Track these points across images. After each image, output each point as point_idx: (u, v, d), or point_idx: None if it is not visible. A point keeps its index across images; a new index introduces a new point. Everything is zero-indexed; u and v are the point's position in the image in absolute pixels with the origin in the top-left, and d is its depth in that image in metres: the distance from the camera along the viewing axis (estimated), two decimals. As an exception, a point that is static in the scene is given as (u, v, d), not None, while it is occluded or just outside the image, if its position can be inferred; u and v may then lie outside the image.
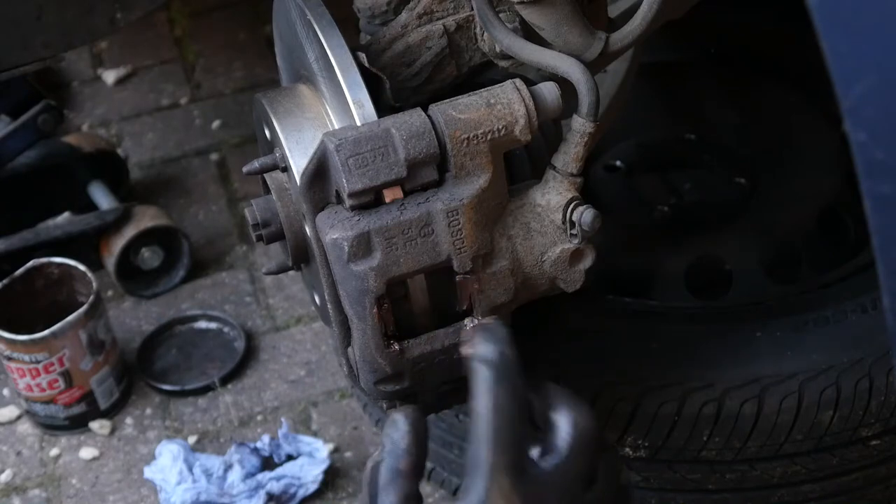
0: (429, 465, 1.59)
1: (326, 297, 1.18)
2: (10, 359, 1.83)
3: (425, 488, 1.71)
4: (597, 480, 1.02)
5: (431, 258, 1.12)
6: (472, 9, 1.23)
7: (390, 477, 1.00)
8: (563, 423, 1.01)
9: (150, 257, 2.07)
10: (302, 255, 1.24)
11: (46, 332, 1.80)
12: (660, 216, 1.83)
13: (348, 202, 1.10)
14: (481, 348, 1.00)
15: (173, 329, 2.04)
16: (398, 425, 1.02)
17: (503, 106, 1.13)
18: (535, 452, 1.01)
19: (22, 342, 1.80)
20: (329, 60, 1.16)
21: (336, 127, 1.18)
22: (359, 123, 1.14)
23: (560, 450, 1.00)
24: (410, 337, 1.16)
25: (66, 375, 1.84)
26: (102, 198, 2.11)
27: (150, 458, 1.82)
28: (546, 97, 1.15)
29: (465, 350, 1.03)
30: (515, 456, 0.97)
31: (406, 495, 1.00)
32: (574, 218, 1.16)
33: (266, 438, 1.81)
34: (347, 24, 1.25)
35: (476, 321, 1.17)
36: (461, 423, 1.47)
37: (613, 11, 1.32)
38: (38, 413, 1.89)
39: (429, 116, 1.12)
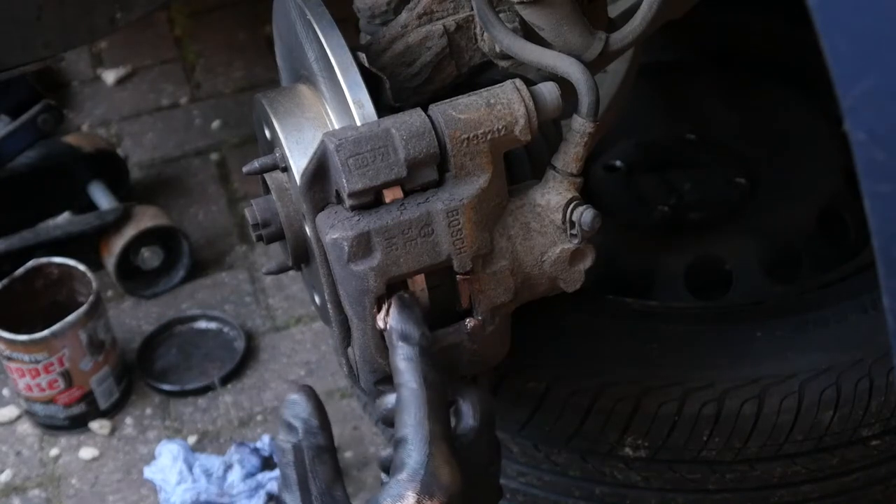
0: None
1: (326, 297, 1.18)
2: (10, 359, 1.83)
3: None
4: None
5: (431, 258, 1.12)
6: (472, 9, 1.23)
7: (316, 454, 1.06)
8: (473, 400, 1.10)
9: (150, 257, 2.07)
10: (302, 255, 1.24)
11: (46, 332, 1.80)
12: (660, 216, 1.83)
13: (348, 202, 1.10)
14: (401, 325, 1.08)
15: (173, 329, 2.04)
16: (301, 405, 1.08)
17: (503, 106, 1.13)
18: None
19: (22, 342, 1.80)
20: (329, 60, 1.16)
21: (336, 127, 1.18)
22: (359, 123, 1.14)
23: (470, 422, 1.09)
24: (410, 337, 1.16)
25: (66, 375, 1.84)
26: (102, 198, 2.11)
27: (150, 458, 1.82)
28: (546, 97, 1.15)
29: (382, 322, 1.10)
30: (447, 426, 1.04)
31: (335, 468, 1.06)
32: (574, 218, 1.16)
33: (266, 438, 1.81)
34: (347, 24, 1.25)
35: (476, 321, 1.17)
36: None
37: (613, 11, 1.32)
38: (37, 413, 1.89)
39: (429, 116, 1.12)
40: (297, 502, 1.05)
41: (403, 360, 1.06)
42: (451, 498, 1.00)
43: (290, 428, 1.07)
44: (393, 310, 1.10)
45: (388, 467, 1.08)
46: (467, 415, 1.09)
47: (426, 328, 1.09)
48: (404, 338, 1.08)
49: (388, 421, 1.11)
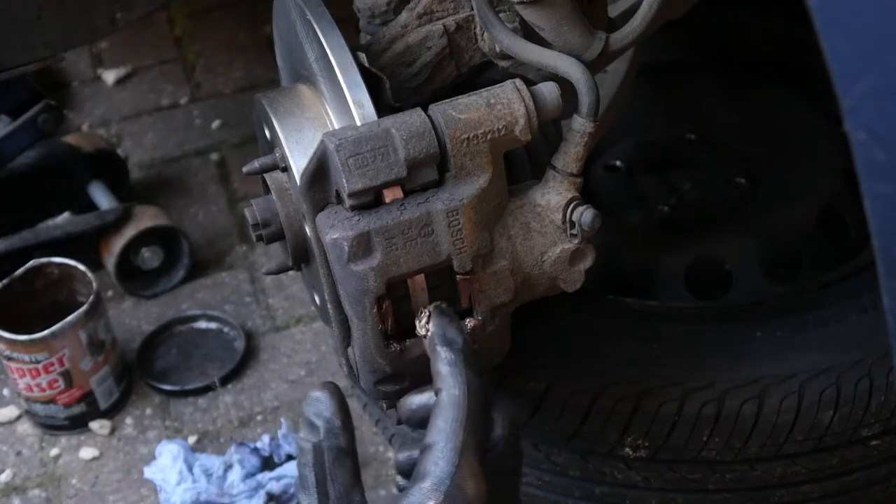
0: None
1: (326, 297, 1.18)
2: (10, 359, 1.83)
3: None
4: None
5: (431, 258, 1.12)
6: (472, 9, 1.23)
7: (336, 456, 1.03)
8: (502, 410, 1.05)
9: (150, 257, 2.07)
10: (302, 255, 1.24)
11: (46, 332, 1.80)
12: (660, 216, 1.83)
13: (348, 202, 1.10)
14: (444, 330, 1.05)
15: (173, 329, 2.04)
16: (324, 404, 1.04)
17: (503, 106, 1.13)
18: None
19: (22, 342, 1.80)
20: (329, 60, 1.16)
21: (336, 127, 1.18)
22: (359, 123, 1.14)
23: (501, 433, 1.04)
24: (410, 337, 1.16)
25: (66, 375, 1.84)
26: (102, 198, 2.11)
27: (150, 458, 1.82)
28: (546, 97, 1.15)
29: (423, 331, 1.08)
30: (481, 438, 1.00)
31: (354, 472, 1.03)
32: (574, 218, 1.16)
33: (266, 438, 1.81)
34: (347, 24, 1.25)
35: (476, 321, 1.17)
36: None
37: (613, 11, 1.32)
38: (38, 413, 1.89)
39: (429, 116, 1.12)
40: None
41: (446, 365, 1.02)
42: None
43: (312, 427, 1.04)
44: (434, 316, 1.08)
45: (406, 470, 1.05)
46: (497, 424, 1.05)
47: (467, 336, 1.07)
48: (447, 342, 1.04)
49: (413, 421, 1.08)
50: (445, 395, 1.01)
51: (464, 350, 1.04)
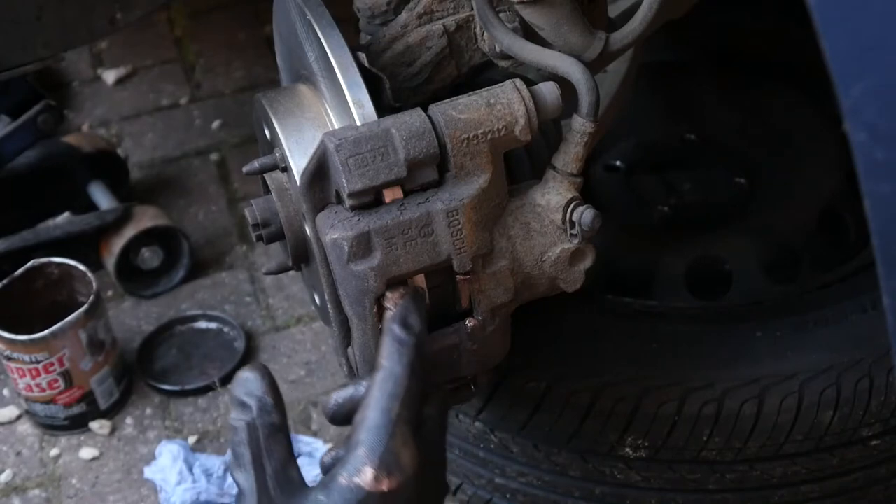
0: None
1: (326, 297, 1.18)
2: (9, 359, 1.83)
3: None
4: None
5: (431, 258, 1.12)
6: (472, 9, 1.23)
7: (270, 433, 1.05)
8: (434, 395, 1.08)
9: (150, 257, 2.07)
10: (302, 255, 1.24)
11: (46, 332, 1.80)
12: (660, 216, 1.83)
13: (348, 202, 1.10)
14: (407, 312, 1.07)
15: (173, 329, 2.04)
16: (255, 384, 1.06)
17: (503, 106, 1.13)
18: None
19: (22, 342, 1.80)
20: (329, 60, 1.16)
21: (336, 127, 1.18)
22: (359, 123, 1.14)
23: (433, 413, 1.07)
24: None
25: (66, 375, 1.84)
26: (102, 198, 2.11)
27: (150, 458, 1.82)
28: (546, 97, 1.15)
29: (388, 304, 1.09)
30: (416, 414, 1.03)
31: (289, 449, 1.05)
32: (574, 218, 1.16)
33: (266, 438, 1.81)
34: (347, 24, 1.25)
35: (476, 321, 1.17)
36: (461, 422, 1.47)
37: (613, 11, 1.32)
38: (38, 413, 1.89)
39: (429, 116, 1.12)
40: (251, 481, 1.03)
41: (395, 343, 1.05)
42: (407, 480, 1.00)
43: (244, 406, 1.06)
44: (405, 298, 1.10)
45: (329, 468, 1.06)
46: (429, 405, 1.07)
47: (425, 329, 1.09)
48: (405, 324, 1.07)
49: (339, 417, 1.08)
50: (385, 371, 1.03)
51: (419, 338, 1.06)
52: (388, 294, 1.11)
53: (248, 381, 1.06)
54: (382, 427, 1.00)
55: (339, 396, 1.09)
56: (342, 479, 0.99)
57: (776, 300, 1.61)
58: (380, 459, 0.99)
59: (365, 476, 0.99)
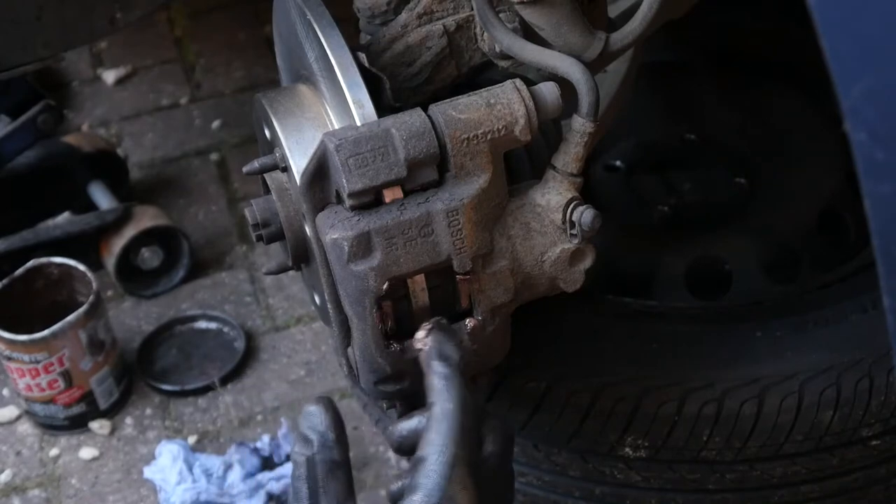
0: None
1: (326, 297, 1.18)
2: (9, 359, 1.83)
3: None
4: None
5: (431, 258, 1.12)
6: (472, 9, 1.23)
7: (329, 469, 1.03)
8: (495, 427, 1.06)
9: (150, 257, 2.07)
10: (302, 255, 1.24)
11: (46, 332, 1.80)
12: (660, 216, 1.83)
13: (348, 202, 1.10)
14: (441, 345, 1.06)
15: (173, 329, 2.04)
16: (318, 418, 1.05)
17: (503, 106, 1.13)
18: None
19: (22, 342, 1.80)
20: (329, 60, 1.16)
21: (336, 127, 1.18)
22: (359, 123, 1.14)
23: (494, 450, 1.05)
24: (410, 337, 1.16)
25: (66, 375, 1.84)
26: (102, 198, 2.11)
27: (150, 458, 1.82)
28: (546, 97, 1.15)
29: (420, 345, 1.08)
30: (472, 452, 1.01)
31: (348, 485, 1.03)
32: (574, 218, 1.16)
33: (266, 438, 1.81)
34: (347, 24, 1.25)
35: (476, 321, 1.17)
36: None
37: (613, 11, 1.32)
38: (37, 413, 1.89)
39: (429, 116, 1.12)
40: None
41: (441, 380, 1.03)
42: None
43: (306, 440, 1.04)
44: (433, 332, 1.08)
45: (397, 498, 1.04)
46: (489, 441, 1.05)
47: (464, 353, 1.07)
48: (443, 358, 1.05)
49: (404, 448, 1.07)
50: (439, 408, 1.01)
51: (459, 366, 1.05)
52: (417, 335, 1.09)
53: (311, 416, 1.05)
54: (439, 470, 0.98)
55: (403, 429, 1.07)
56: None
57: (776, 300, 1.61)
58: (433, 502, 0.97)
59: None
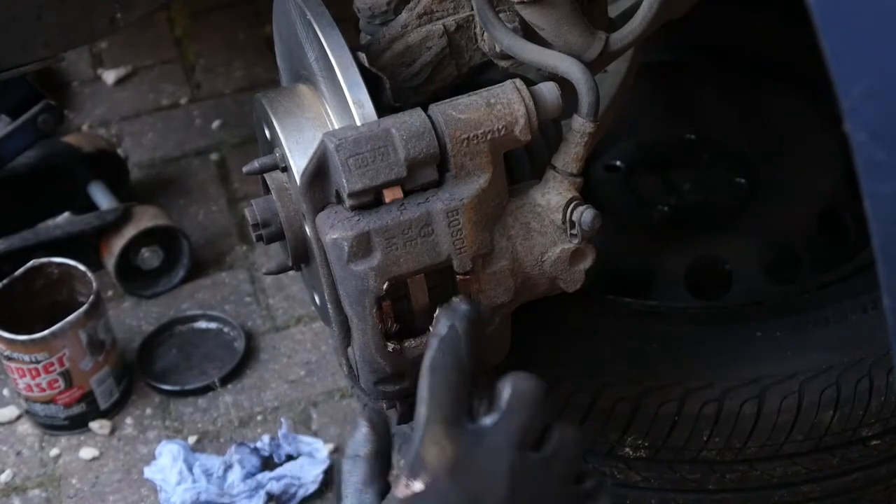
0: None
1: (326, 297, 1.18)
2: (10, 359, 1.83)
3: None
4: (545, 444, 1.04)
5: (431, 258, 1.12)
6: (472, 9, 1.23)
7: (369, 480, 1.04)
8: (505, 385, 1.04)
9: (150, 257, 2.07)
10: (302, 255, 1.24)
11: (46, 332, 1.80)
12: (660, 216, 1.83)
13: (348, 202, 1.10)
14: (440, 326, 1.05)
15: (173, 329, 2.04)
16: (366, 429, 1.05)
17: (503, 106, 1.13)
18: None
19: (22, 342, 1.80)
20: (329, 60, 1.16)
21: (336, 127, 1.18)
22: (359, 123, 1.14)
23: (498, 407, 1.03)
24: (410, 337, 1.16)
25: (66, 375, 1.84)
26: (102, 198, 2.11)
27: (150, 458, 1.82)
28: (546, 97, 1.15)
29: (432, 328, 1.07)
30: (450, 411, 1.00)
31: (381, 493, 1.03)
32: (574, 218, 1.16)
33: (266, 438, 1.81)
34: (347, 24, 1.25)
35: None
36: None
37: (613, 11, 1.32)
38: (38, 413, 1.89)
39: (429, 116, 1.12)
40: None
41: (434, 338, 1.04)
42: (436, 479, 0.98)
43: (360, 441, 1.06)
44: (439, 314, 1.08)
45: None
46: (496, 399, 1.03)
47: (464, 325, 1.05)
48: (451, 310, 1.05)
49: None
50: (426, 364, 1.03)
51: (443, 336, 1.04)
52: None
53: (361, 426, 1.06)
54: (415, 432, 1.00)
55: None
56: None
57: (776, 300, 1.61)
58: (407, 465, 0.99)
59: (399, 485, 0.99)
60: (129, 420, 1.91)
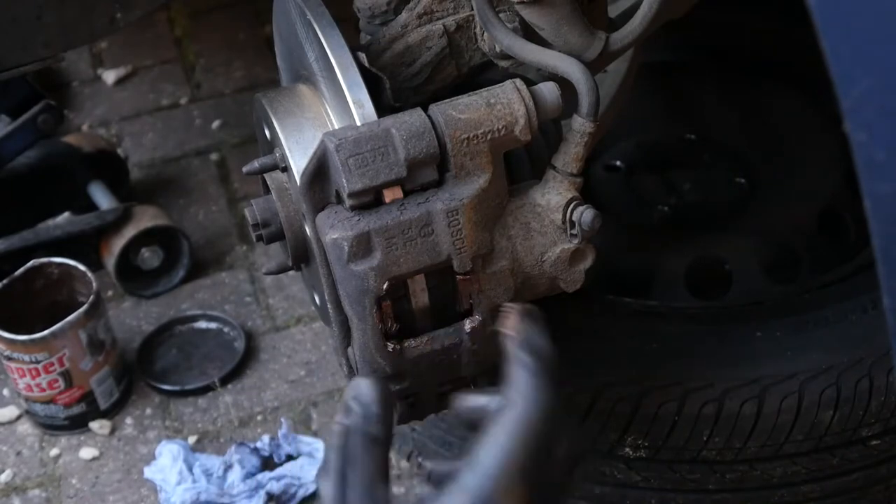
0: (428, 465, 1.58)
1: (326, 297, 1.18)
2: (9, 359, 1.83)
3: (425, 488, 1.71)
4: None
5: (431, 258, 1.12)
6: (472, 9, 1.23)
7: (365, 445, 0.95)
8: (565, 442, 0.96)
9: (150, 257, 2.07)
10: (302, 255, 1.24)
11: (46, 332, 1.80)
12: (660, 216, 1.83)
13: (348, 202, 1.10)
14: (533, 336, 0.96)
15: (173, 329, 2.04)
16: (366, 391, 0.96)
17: (503, 106, 1.13)
18: None
19: (22, 342, 1.80)
20: (329, 60, 1.16)
21: (336, 127, 1.18)
22: (359, 123, 1.14)
23: (555, 465, 0.94)
24: (410, 337, 1.16)
25: (66, 375, 1.84)
26: (102, 198, 2.11)
27: (150, 458, 1.82)
28: (546, 97, 1.15)
29: (510, 332, 0.98)
30: (539, 468, 0.92)
31: (384, 467, 0.96)
32: (574, 218, 1.16)
33: (266, 438, 1.81)
34: (347, 24, 1.25)
35: (476, 321, 1.17)
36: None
37: (613, 11, 1.32)
38: (38, 413, 1.89)
39: (429, 116, 1.12)
40: (331, 490, 0.93)
41: (528, 375, 0.93)
42: None
43: (348, 410, 0.96)
44: (523, 319, 0.99)
45: (437, 482, 0.98)
46: (556, 450, 0.94)
47: (555, 350, 0.96)
48: (533, 351, 0.95)
49: (463, 419, 0.99)
50: (517, 408, 0.92)
51: (550, 365, 0.95)
52: (506, 321, 1.00)
53: (359, 387, 0.97)
54: (491, 473, 0.89)
55: (473, 402, 0.99)
56: None
57: (776, 300, 1.61)
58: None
59: None
60: (129, 420, 1.91)
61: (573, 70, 1.15)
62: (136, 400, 1.94)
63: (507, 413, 0.92)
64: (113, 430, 1.90)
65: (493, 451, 0.90)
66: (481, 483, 0.89)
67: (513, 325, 0.99)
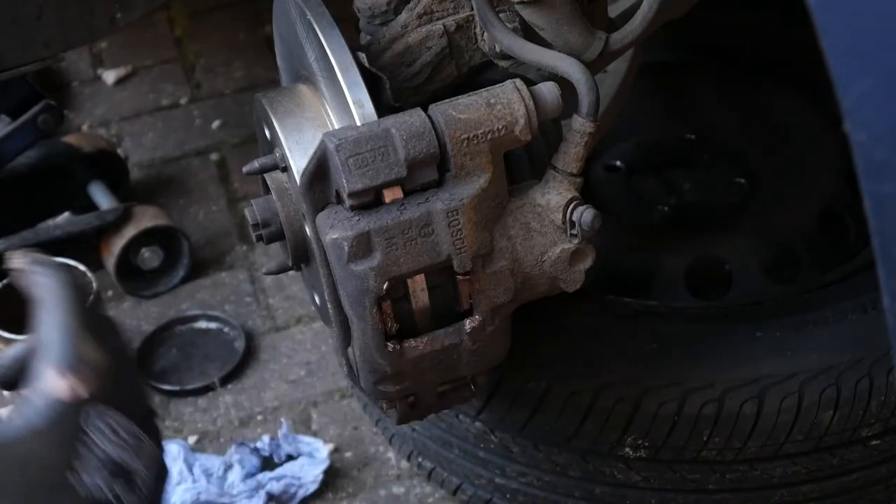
0: (428, 464, 1.59)
1: (326, 297, 1.18)
2: (10, 359, 1.83)
3: (425, 488, 1.71)
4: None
5: (431, 258, 1.12)
6: (472, 9, 1.23)
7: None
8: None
9: (150, 257, 2.07)
10: (302, 255, 1.24)
11: (46, 332, 1.80)
12: (660, 216, 1.83)
13: (348, 202, 1.10)
14: (38, 262, 1.02)
15: (173, 329, 2.04)
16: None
17: (503, 106, 1.13)
18: None
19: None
20: (329, 60, 1.16)
21: (336, 127, 1.18)
22: (359, 123, 1.14)
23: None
24: (410, 337, 1.16)
25: (66, 375, 1.84)
26: (102, 198, 2.11)
27: (150, 458, 1.81)
28: (546, 97, 1.15)
29: (17, 265, 1.04)
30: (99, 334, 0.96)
31: None
32: (574, 218, 1.16)
33: (266, 438, 1.81)
34: (347, 24, 1.25)
35: (476, 321, 1.17)
36: (461, 423, 1.47)
37: (613, 11, 1.32)
38: (38, 413, 1.89)
39: (429, 116, 1.12)
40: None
41: (43, 276, 1.00)
42: (101, 376, 0.92)
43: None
44: (28, 254, 1.04)
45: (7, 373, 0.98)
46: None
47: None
48: (42, 268, 1.01)
49: (9, 378, 1.00)
50: (50, 293, 0.99)
51: (64, 277, 0.99)
52: (12, 260, 1.05)
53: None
54: (63, 340, 0.94)
55: (5, 358, 1.02)
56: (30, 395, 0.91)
57: (776, 300, 1.61)
58: (71, 368, 0.92)
59: (56, 382, 0.91)
60: (129, 420, 1.91)
61: (573, 70, 1.15)
62: (136, 400, 1.94)
63: (46, 302, 0.99)
64: (113, 430, 1.90)
65: (50, 322, 0.96)
66: (60, 349, 0.93)
67: (18, 263, 1.04)
